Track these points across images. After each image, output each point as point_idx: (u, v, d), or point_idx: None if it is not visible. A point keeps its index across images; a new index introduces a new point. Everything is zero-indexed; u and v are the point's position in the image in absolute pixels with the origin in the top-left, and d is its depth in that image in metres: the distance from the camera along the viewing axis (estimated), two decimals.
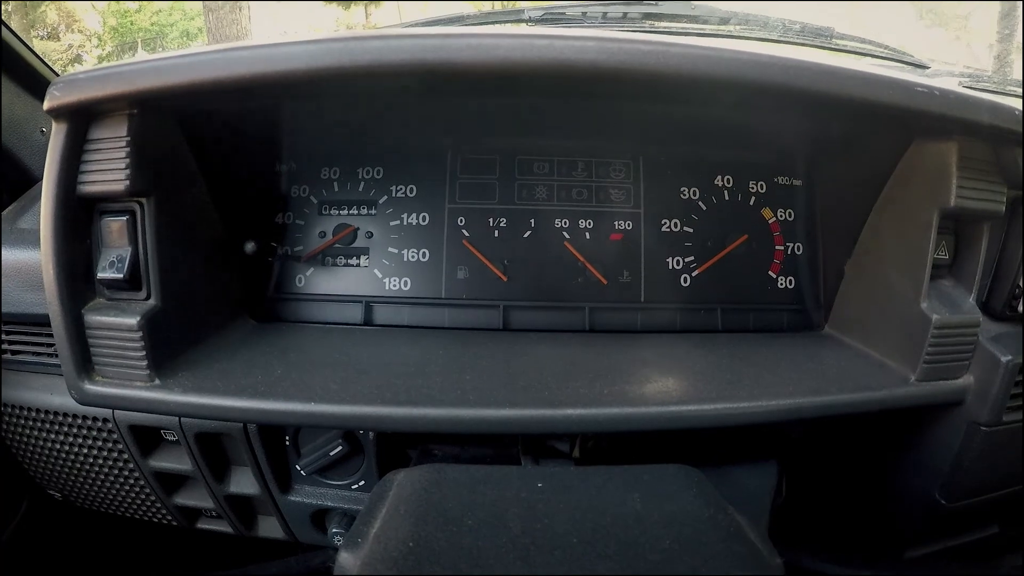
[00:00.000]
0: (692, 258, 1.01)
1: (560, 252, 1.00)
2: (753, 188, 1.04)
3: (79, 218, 0.72)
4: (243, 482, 0.93)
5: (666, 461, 0.68)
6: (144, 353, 0.72)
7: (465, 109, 0.96)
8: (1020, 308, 0.90)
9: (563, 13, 1.30)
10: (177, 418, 0.87)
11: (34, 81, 1.13)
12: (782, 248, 1.03)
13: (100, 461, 0.98)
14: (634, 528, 0.56)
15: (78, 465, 1.00)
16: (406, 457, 0.94)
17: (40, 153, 1.11)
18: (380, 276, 0.99)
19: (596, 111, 0.95)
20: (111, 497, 1.04)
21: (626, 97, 0.85)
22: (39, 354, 0.97)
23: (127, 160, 0.69)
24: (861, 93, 0.68)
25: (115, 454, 0.96)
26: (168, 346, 0.75)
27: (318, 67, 0.63)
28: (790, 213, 1.04)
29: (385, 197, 1.01)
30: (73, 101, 0.67)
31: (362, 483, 0.92)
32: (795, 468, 0.94)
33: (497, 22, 1.36)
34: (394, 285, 0.99)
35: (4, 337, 0.98)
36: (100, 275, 0.74)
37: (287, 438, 0.90)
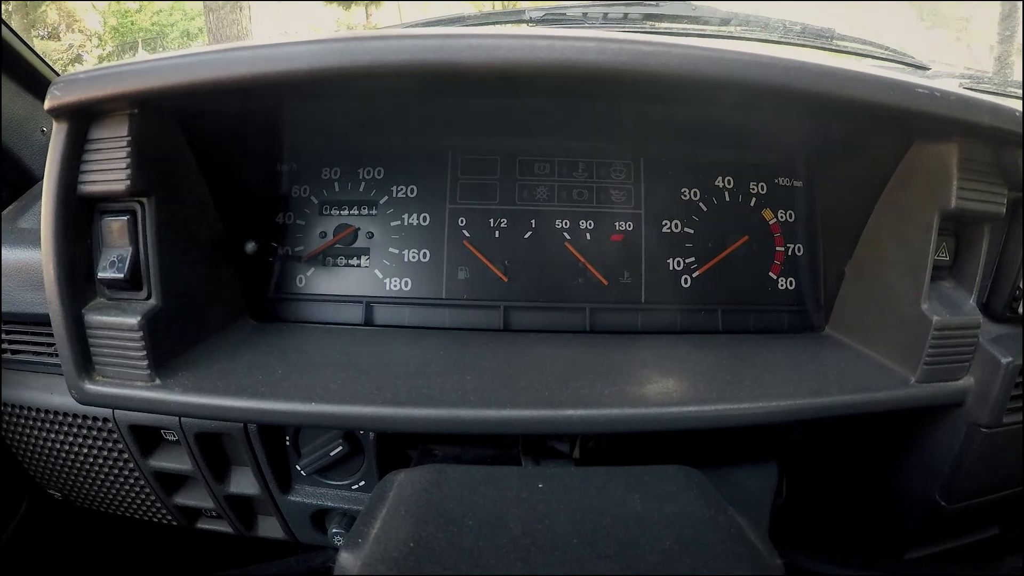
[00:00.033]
0: (693, 259, 1.01)
1: (561, 253, 1.00)
2: (754, 189, 1.04)
3: (80, 218, 0.72)
4: (243, 482, 0.93)
5: (666, 462, 0.68)
6: (144, 353, 0.72)
7: (466, 110, 0.96)
8: (1020, 310, 0.90)
9: (564, 14, 1.30)
10: (177, 418, 0.87)
11: (35, 81, 1.13)
12: (783, 249, 1.03)
13: (100, 461, 0.98)
14: (634, 529, 0.56)
15: (78, 465, 1.00)
16: (406, 457, 0.94)
17: (40, 153, 1.11)
18: (381, 276, 0.99)
19: (597, 112, 0.95)
20: (111, 497, 1.04)
21: (627, 98, 0.85)
22: (39, 353, 0.97)
23: (128, 160, 0.69)
24: (862, 94, 0.68)
25: (115, 454, 0.96)
26: (168, 346, 0.75)
27: (319, 67, 0.63)
28: (791, 214, 1.04)
29: (386, 197, 1.01)
30: (74, 101, 0.67)
31: (362, 483, 0.92)
32: (795, 469, 0.94)
33: (498, 23, 1.36)
34: (395, 285, 0.99)
35: (4, 336, 0.98)
36: (100, 275, 0.74)
37: (287, 438, 0.90)
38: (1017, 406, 0.87)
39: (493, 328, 0.98)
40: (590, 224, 1.01)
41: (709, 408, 0.73)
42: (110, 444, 0.96)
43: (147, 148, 0.71)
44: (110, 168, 0.70)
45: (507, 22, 1.36)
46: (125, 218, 0.73)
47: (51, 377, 0.96)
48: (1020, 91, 1.22)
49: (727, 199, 1.03)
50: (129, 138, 0.69)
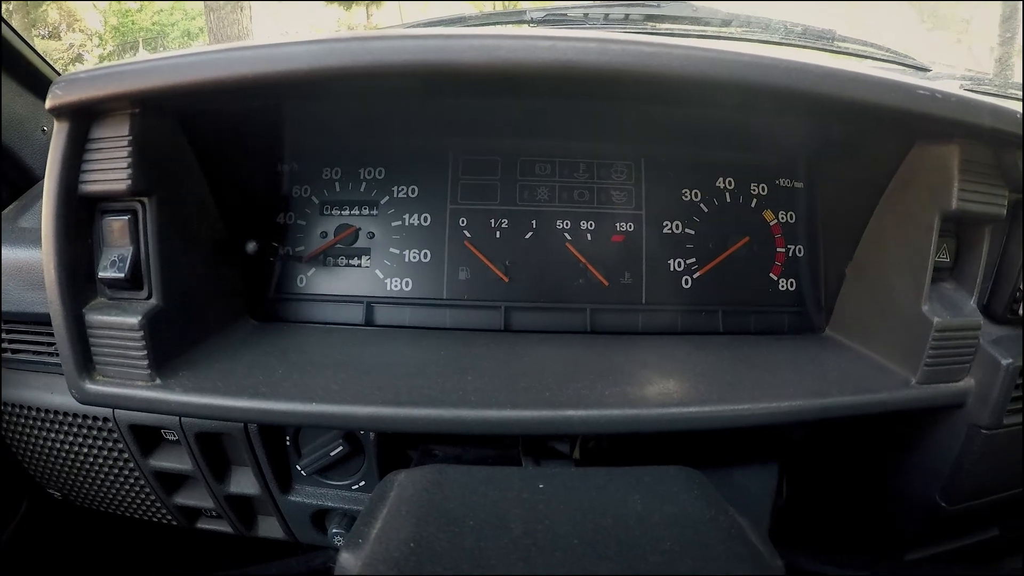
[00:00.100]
0: (693, 260, 1.01)
1: (562, 253, 1.00)
2: (754, 190, 1.04)
3: (80, 217, 0.72)
4: (243, 482, 0.93)
5: (667, 462, 0.68)
6: (145, 352, 0.72)
7: (467, 110, 0.96)
8: (1021, 311, 0.90)
9: (565, 14, 1.30)
10: (177, 418, 0.86)
11: (35, 80, 1.14)
12: (783, 250, 1.03)
13: (100, 460, 0.98)
14: (635, 529, 0.56)
15: (78, 464, 1.00)
16: (407, 457, 0.93)
17: (41, 152, 1.11)
18: (381, 276, 0.99)
19: (598, 112, 0.95)
20: (111, 497, 1.04)
21: (628, 99, 0.85)
22: (40, 353, 0.97)
23: (129, 159, 0.69)
24: (863, 96, 0.68)
25: (115, 453, 0.96)
26: (169, 346, 0.75)
27: (320, 67, 0.63)
28: (791, 215, 1.04)
29: (387, 197, 1.01)
30: (75, 100, 0.67)
31: (362, 483, 0.92)
32: (796, 470, 0.94)
33: (499, 23, 1.36)
34: (395, 286, 0.99)
35: (4, 336, 0.98)
36: (101, 274, 0.74)
37: (287, 438, 0.90)
38: (1017, 407, 0.87)
39: (494, 328, 0.98)
40: (591, 225, 1.01)
41: (710, 409, 0.73)
42: (110, 444, 0.96)
43: (148, 148, 0.71)
44: (111, 168, 0.70)
45: (508, 22, 1.36)
46: (126, 218, 0.73)
47: (51, 376, 0.96)
48: (1020, 93, 1.22)
49: (728, 200, 1.03)
50: (130, 137, 0.69)
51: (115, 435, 0.93)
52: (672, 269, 1.01)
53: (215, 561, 1.24)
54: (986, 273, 0.87)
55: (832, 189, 1.01)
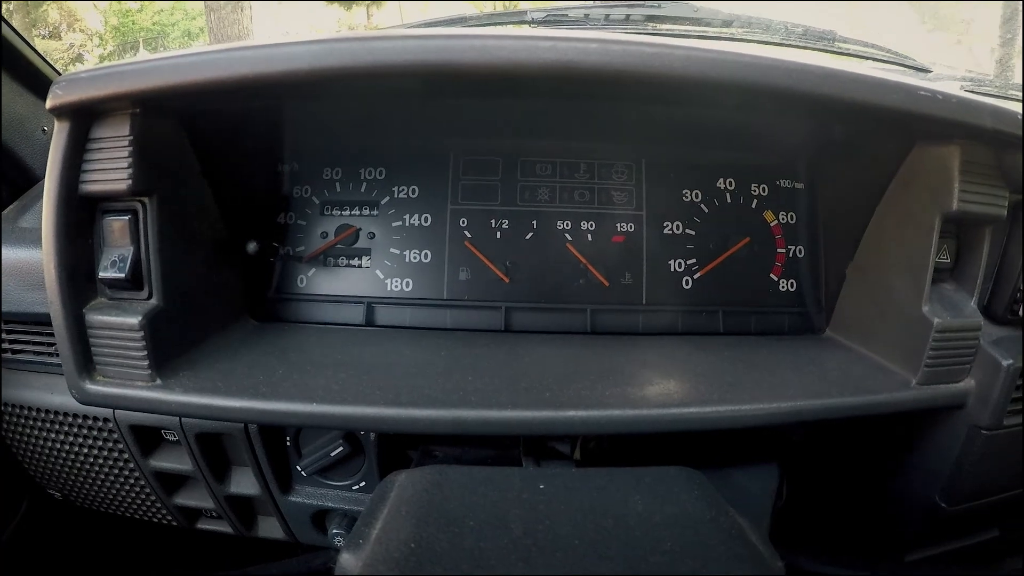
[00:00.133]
0: (694, 260, 1.01)
1: (562, 254, 1.00)
2: (755, 191, 1.04)
3: (81, 217, 0.72)
4: (243, 482, 0.93)
5: (667, 463, 0.68)
6: (145, 353, 0.72)
7: (468, 110, 0.96)
8: (1021, 312, 0.90)
9: (565, 15, 1.30)
10: (178, 418, 0.86)
11: (36, 80, 1.14)
12: (784, 251, 1.03)
13: (100, 461, 0.98)
14: (636, 530, 0.56)
15: (78, 465, 1.00)
16: (407, 458, 0.93)
17: (41, 152, 1.11)
18: (382, 277, 0.99)
19: (598, 113, 0.95)
20: (111, 497, 1.03)
21: (629, 99, 0.85)
22: (40, 353, 0.97)
23: (129, 159, 0.69)
24: (864, 96, 0.68)
25: (115, 454, 0.96)
26: (169, 346, 0.75)
27: (321, 67, 0.63)
28: (792, 216, 1.04)
29: (387, 198, 1.01)
30: (75, 100, 0.67)
31: (363, 484, 0.92)
32: (796, 470, 0.94)
33: (499, 23, 1.36)
34: (396, 286, 0.99)
35: (5, 336, 0.98)
36: (102, 274, 0.74)
37: (288, 439, 0.90)
38: (1017, 408, 0.87)
39: (494, 329, 0.98)
40: (591, 225, 1.01)
41: (710, 409, 0.73)
42: (110, 444, 0.95)
43: (149, 148, 0.71)
44: (111, 168, 0.70)
45: (509, 23, 1.36)
46: (126, 218, 0.73)
47: (51, 377, 0.96)
48: (1021, 94, 1.22)
49: (728, 201, 1.03)
50: (131, 137, 0.69)
51: (115, 435, 0.93)
52: (673, 270, 1.01)
53: (215, 561, 1.24)
54: (986, 274, 0.87)
55: (833, 190, 1.01)
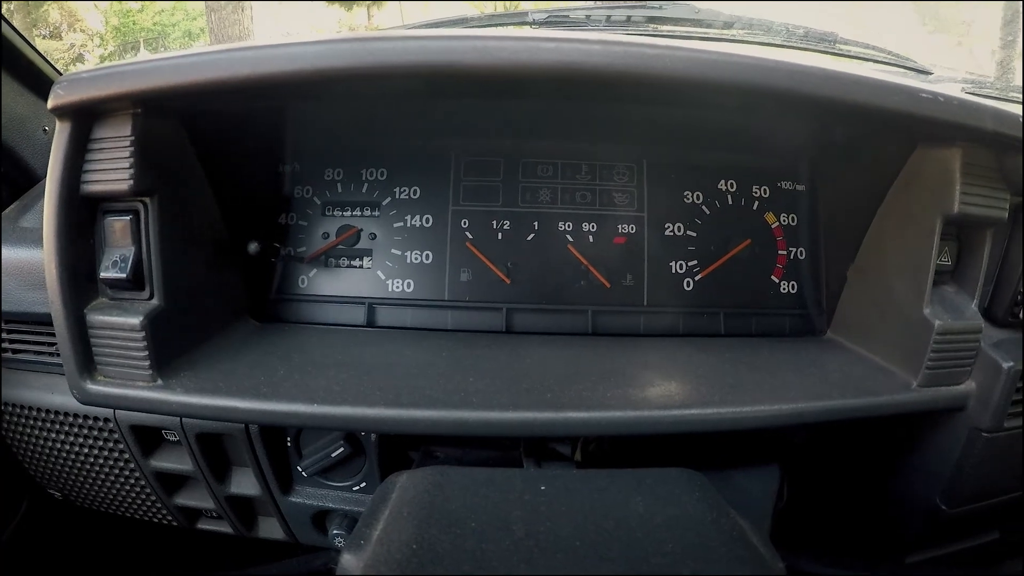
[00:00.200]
0: (695, 262, 1.01)
1: (563, 255, 1.00)
2: (756, 193, 1.04)
3: (82, 217, 0.72)
4: (244, 483, 0.93)
5: (668, 464, 0.68)
6: (147, 353, 0.72)
7: (469, 111, 0.96)
8: (1022, 315, 0.90)
9: (567, 16, 1.30)
10: (178, 418, 0.86)
11: (37, 80, 1.13)
12: (785, 253, 1.03)
13: (101, 461, 0.98)
14: (637, 531, 0.55)
15: (79, 465, 1.00)
16: (408, 459, 0.93)
17: (42, 152, 1.11)
18: (383, 278, 0.99)
19: (600, 114, 0.95)
20: (111, 497, 1.03)
21: (630, 101, 0.85)
22: (40, 353, 0.97)
23: (131, 160, 0.69)
24: (866, 98, 0.68)
25: (116, 454, 0.96)
26: (170, 346, 0.75)
27: (323, 68, 0.63)
28: (793, 218, 1.04)
29: (389, 199, 1.01)
30: (77, 100, 0.67)
31: (363, 485, 0.92)
32: (797, 472, 0.94)
33: (501, 24, 1.37)
34: (397, 287, 0.99)
35: (5, 336, 0.98)
36: (103, 274, 0.74)
37: (288, 439, 0.90)
38: (1018, 411, 0.87)
39: (495, 330, 0.98)
40: (593, 227, 1.01)
41: (711, 411, 0.73)
42: (111, 444, 0.95)
43: (150, 148, 0.71)
44: (113, 168, 0.70)
45: (510, 24, 1.36)
46: (128, 218, 0.73)
47: (52, 377, 0.96)
48: (1022, 96, 1.22)
49: (730, 202, 1.03)
50: (132, 138, 0.69)
51: (116, 435, 0.93)
52: (674, 271, 1.01)
53: (215, 562, 1.24)
54: (987, 276, 0.87)
55: (834, 192, 1.02)
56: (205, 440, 0.89)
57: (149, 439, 0.93)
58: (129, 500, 1.03)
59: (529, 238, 1.00)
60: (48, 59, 1.16)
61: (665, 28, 1.27)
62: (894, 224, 0.87)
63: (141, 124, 0.70)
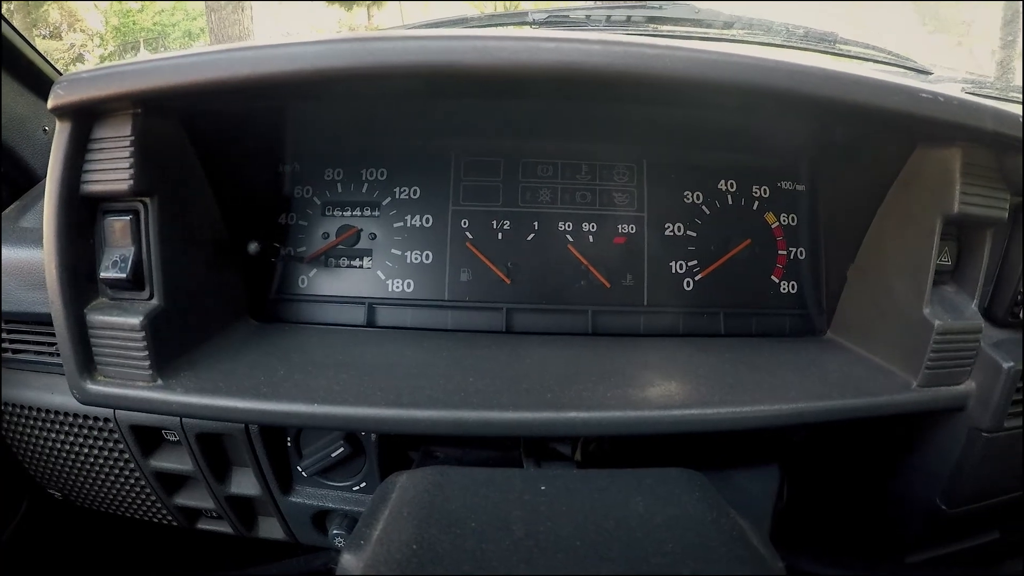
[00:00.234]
0: (695, 262, 1.01)
1: (563, 255, 1.00)
2: (756, 193, 1.04)
3: (82, 217, 0.72)
4: (244, 483, 0.93)
5: (668, 464, 0.68)
6: (147, 353, 0.72)
7: (469, 111, 0.96)
8: (1022, 315, 0.90)
9: (567, 16, 1.30)
10: (178, 418, 0.86)
11: (37, 80, 1.14)
12: (785, 253, 1.03)
13: (101, 461, 0.98)
14: (637, 531, 0.55)
15: (78, 465, 1.00)
16: (408, 459, 0.93)
17: (42, 152, 1.11)
18: (383, 278, 0.99)
19: (600, 114, 0.95)
20: (111, 497, 1.03)
21: (630, 100, 0.85)
22: (40, 353, 0.97)
23: (131, 160, 0.69)
24: (866, 99, 0.68)
25: (116, 454, 0.96)
26: (170, 346, 0.75)
27: (323, 68, 0.63)
28: (793, 218, 1.04)
29: (389, 199, 1.01)
30: (77, 100, 0.67)
31: (363, 485, 0.92)
32: (797, 472, 0.94)
33: (501, 24, 1.37)
34: (397, 287, 0.99)
35: (5, 336, 0.98)
36: (103, 275, 0.74)
37: (288, 439, 0.90)
38: (1018, 411, 0.87)
39: (495, 330, 0.98)
40: (593, 227, 1.01)
41: (711, 411, 0.73)
42: (111, 444, 0.95)
43: (150, 148, 0.71)
44: (113, 168, 0.70)
45: (510, 24, 1.36)
46: (128, 218, 0.73)
47: (52, 377, 0.96)
48: (1022, 96, 1.22)
49: (730, 202, 1.03)
50: (132, 138, 0.69)
51: (116, 435, 0.93)
52: (674, 271, 1.01)
53: (215, 562, 1.24)
54: (987, 276, 0.87)
55: (834, 192, 1.02)
56: (205, 440, 0.89)
57: (149, 439, 0.93)
58: (129, 500, 1.03)
59: (529, 238, 1.00)
60: (48, 59, 1.16)
61: (665, 28, 1.27)
62: (894, 224, 0.87)
63: (141, 124, 0.70)
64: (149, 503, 1.02)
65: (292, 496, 0.94)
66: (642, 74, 0.64)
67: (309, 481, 0.93)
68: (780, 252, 1.03)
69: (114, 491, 1.02)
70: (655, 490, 0.62)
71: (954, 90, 0.76)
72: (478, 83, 0.71)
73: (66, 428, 0.97)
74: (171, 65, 0.66)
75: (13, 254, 0.92)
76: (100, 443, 0.96)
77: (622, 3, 1.34)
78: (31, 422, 0.99)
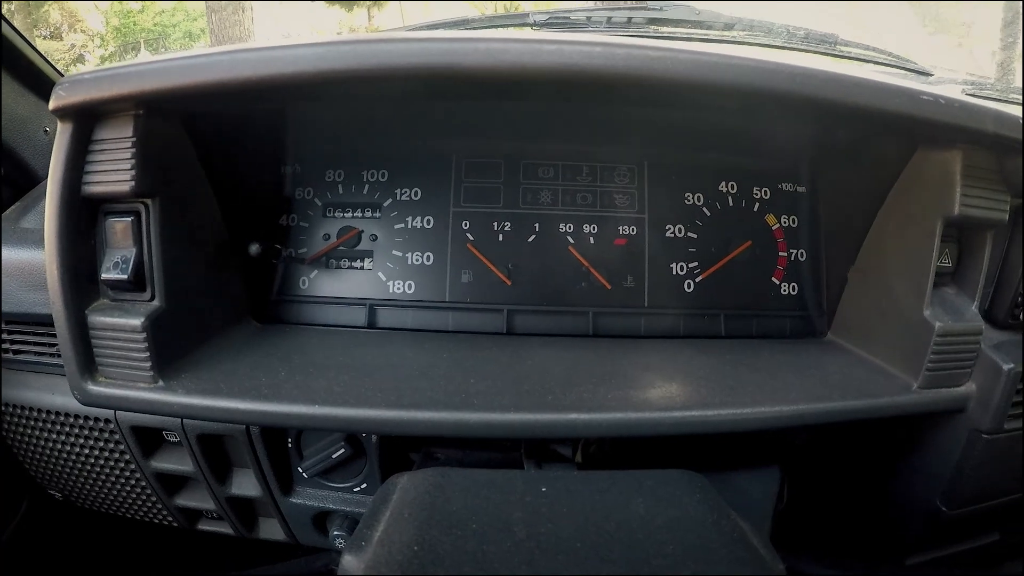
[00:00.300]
0: (696, 264, 1.02)
1: (564, 256, 1.00)
2: (757, 194, 1.04)
3: (83, 219, 0.72)
4: (244, 484, 0.93)
5: (669, 466, 0.68)
6: (148, 354, 0.72)
7: (470, 113, 0.96)
8: (1022, 316, 0.90)
9: (568, 17, 1.30)
10: (179, 419, 0.86)
11: (37, 80, 1.14)
12: (785, 254, 1.04)
13: (101, 462, 0.98)
14: (638, 533, 0.56)
15: (79, 465, 1.00)
16: (408, 460, 0.93)
17: (43, 153, 1.12)
18: (384, 279, 1.00)
19: (600, 116, 0.95)
20: (112, 498, 1.03)
21: (631, 102, 0.85)
22: (41, 354, 0.97)
23: (132, 161, 0.69)
24: (867, 101, 0.68)
25: (116, 455, 0.96)
26: (171, 347, 0.75)
27: (325, 70, 0.63)
28: (794, 219, 1.04)
29: (390, 200, 1.01)
30: (79, 101, 0.67)
31: (364, 486, 0.92)
32: (797, 474, 0.94)
33: (502, 26, 1.37)
34: (398, 288, 0.99)
35: (6, 336, 0.98)
36: (104, 276, 0.74)
37: (289, 440, 0.90)
38: (1018, 412, 0.87)
39: (496, 331, 0.98)
40: (594, 228, 1.01)
41: (712, 413, 0.73)
42: (111, 445, 0.95)
43: (152, 149, 0.71)
44: (114, 169, 0.70)
45: (511, 25, 1.36)
46: (129, 219, 0.73)
47: (53, 377, 0.96)
48: (1022, 98, 1.22)
49: (730, 204, 1.03)
50: (134, 139, 0.69)
51: (116, 436, 0.93)
52: (675, 273, 1.01)
53: (216, 563, 1.24)
54: (988, 278, 0.87)
55: (834, 193, 1.02)
56: (206, 441, 0.89)
57: (150, 440, 0.93)
58: (130, 501, 1.03)
59: (530, 240, 1.00)
60: (49, 60, 1.16)
61: (666, 30, 1.27)
62: (895, 226, 0.87)
63: (143, 125, 0.70)
64: (150, 504, 1.02)
65: (293, 497, 0.94)
66: (643, 76, 0.64)
67: (310, 482, 0.93)
68: (781, 254, 1.03)
69: (115, 492, 1.02)
70: (656, 492, 0.62)
71: (955, 92, 0.77)
72: (479, 85, 0.71)
73: (67, 429, 0.97)
74: (173, 67, 0.66)
75: (14, 255, 0.93)
76: (101, 444, 0.96)
77: (623, 5, 1.34)
78: (32, 423, 0.99)
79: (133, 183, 0.69)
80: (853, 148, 0.95)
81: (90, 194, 0.71)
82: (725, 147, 1.02)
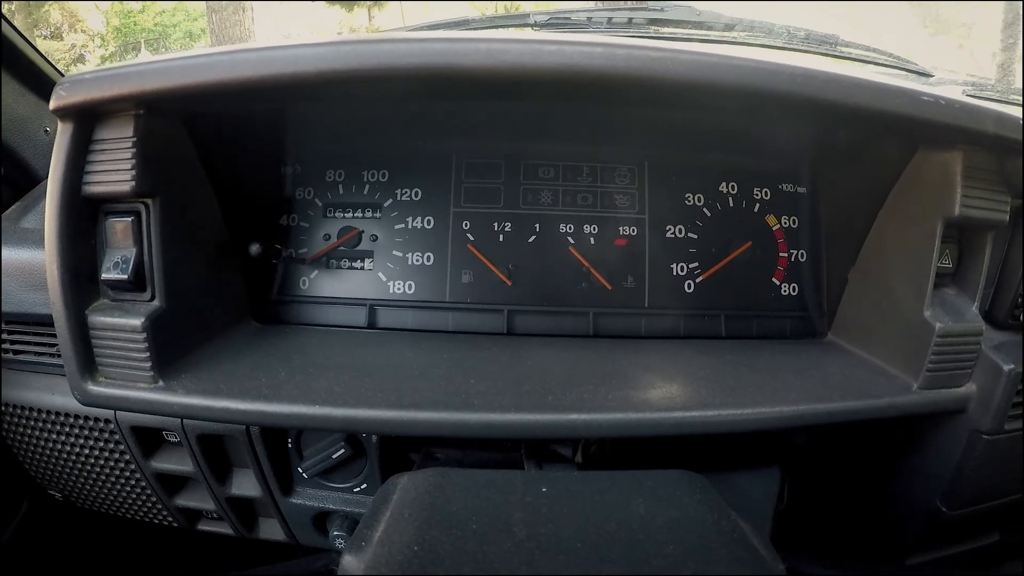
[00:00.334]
0: (696, 264, 1.01)
1: (565, 257, 1.00)
2: (758, 195, 1.04)
3: (84, 218, 0.72)
4: (244, 484, 0.93)
5: (669, 466, 0.68)
6: (148, 354, 0.72)
7: (470, 113, 0.96)
8: (1022, 317, 0.90)
9: (568, 18, 1.30)
10: (179, 419, 0.86)
11: (38, 80, 1.14)
12: (786, 255, 1.04)
13: (101, 462, 0.98)
14: (638, 533, 0.55)
15: (79, 465, 1.00)
16: (409, 460, 0.93)
17: (43, 153, 1.12)
18: (384, 279, 0.99)
19: (601, 116, 0.95)
20: (112, 498, 1.03)
21: (632, 103, 0.85)
22: (41, 354, 0.97)
23: (133, 161, 0.69)
24: (867, 102, 0.68)
25: (116, 455, 0.96)
26: (172, 347, 0.75)
27: (325, 70, 0.63)
28: (794, 220, 1.04)
29: (390, 200, 1.01)
30: (79, 101, 0.67)
31: (364, 486, 0.92)
32: (798, 474, 0.94)
33: (502, 26, 1.37)
34: (398, 288, 0.99)
35: (6, 336, 0.98)
36: (104, 276, 0.74)
37: (289, 440, 0.90)
38: (1018, 413, 0.87)
39: (496, 332, 0.98)
40: (594, 228, 1.01)
41: (712, 413, 0.73)
42: (111, 445, 0.95)
43: (152, 149, 0.71)
44: (115, 169, 0.70)
45: (511, 26, 1.36)
46: (129, 219, 0.73)
47: (53, 377, 0.96)
48: (1022, 99, 1.22)
49: (731, 205, 1.03)
50: (134, 139, 0.69)
51: (116, 436, 0.93)
52: (675, 273, 1.01)
53: (216, 563, 1.24)
54: (988, 279, 0.87)
55: (835, 194, 1.02)
56: (206, 441, 0.89)
57: (150, 440, 0.93)
58: (130, 501, 1.03)
59: (530, 240, 1.00)
60: (49, 60, 1.16)
61: (666, 30, 1.27)
62: (895, 226, 0.87)
63: (143, 125, 0.70)
64: (150, 504, 1.02)
65: (293, 497, 0.94)
66: (644, 77, 0.64)
67: (310, 482, 0.93)
68: (781, 254, 1.03)
69: (115, 492, 1.02)
70: (656, 492, 0.62)
71: (955, 93, 0.77)
72: (480, 85, 0.71)
73: (67, 429, 0.97)
74: (173, 67, 0.66)
75: (14, 255, 0.93)
76: (101, 444, 0.96)
77: (624, 5, 1.34)
78: (32, 423, 0.99)
79: (133, 183, 0.69)
80: (854, 149, 0.95)
81: (90, 194, 0.71)
82: (726, 148, 1.02)
